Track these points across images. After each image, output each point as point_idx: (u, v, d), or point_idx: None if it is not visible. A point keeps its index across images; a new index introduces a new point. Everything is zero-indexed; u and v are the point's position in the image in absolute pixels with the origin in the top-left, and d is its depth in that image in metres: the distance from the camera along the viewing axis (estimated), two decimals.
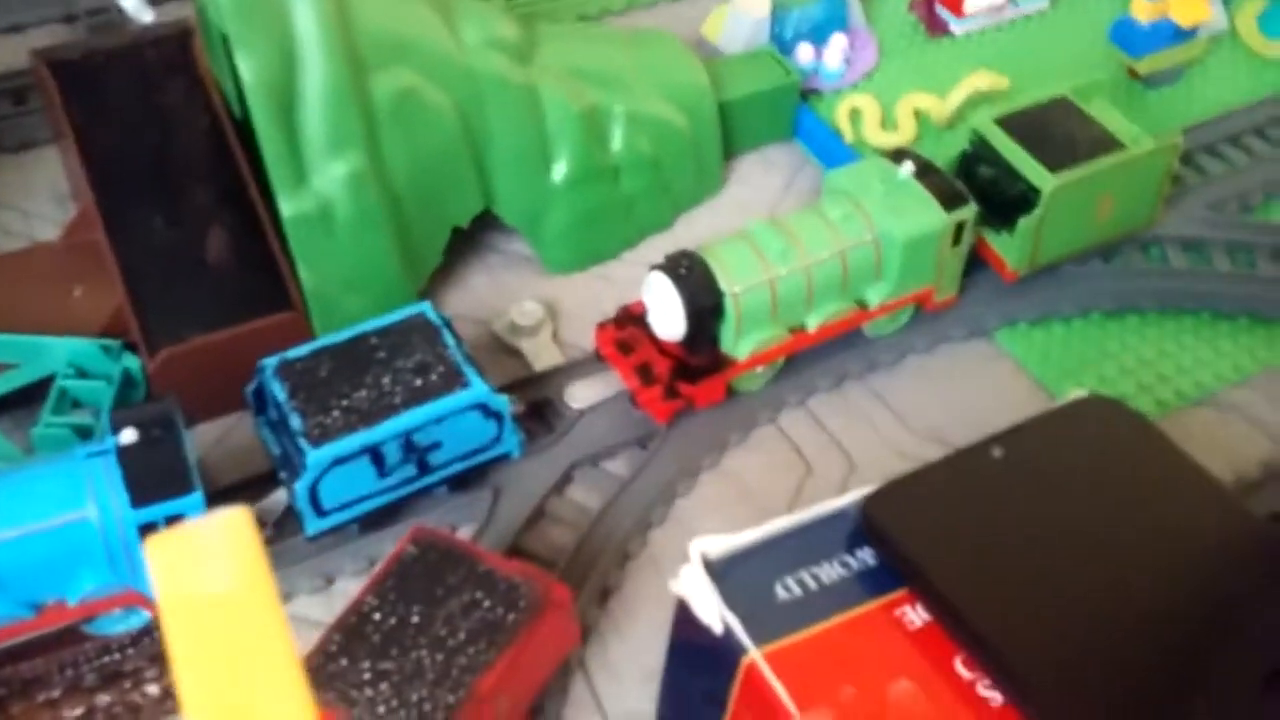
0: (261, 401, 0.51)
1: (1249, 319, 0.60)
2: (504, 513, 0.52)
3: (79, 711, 0.46)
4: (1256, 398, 0.57)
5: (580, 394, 0.56)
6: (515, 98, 0.58)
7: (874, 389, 0.59)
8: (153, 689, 0.47)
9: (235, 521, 0.23)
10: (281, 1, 0.52)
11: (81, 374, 0.55)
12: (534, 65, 0.59)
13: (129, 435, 0.45)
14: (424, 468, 0.50)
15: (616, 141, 0.62)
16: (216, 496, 0.52)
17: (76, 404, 0.55)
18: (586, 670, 0.48)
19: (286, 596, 0.50)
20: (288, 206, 0.54)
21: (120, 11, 0.70)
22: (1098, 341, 0.60)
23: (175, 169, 0.61)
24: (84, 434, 0.53)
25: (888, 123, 0.70)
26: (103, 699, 0.46)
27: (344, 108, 0.53)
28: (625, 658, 0.48)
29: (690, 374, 0.54)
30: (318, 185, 0.54)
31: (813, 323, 0.56)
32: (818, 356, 0.58)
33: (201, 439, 0.56)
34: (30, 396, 0.56)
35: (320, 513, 0.48)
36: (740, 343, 0.54)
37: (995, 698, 0.33)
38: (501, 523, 0.52)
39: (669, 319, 0.53)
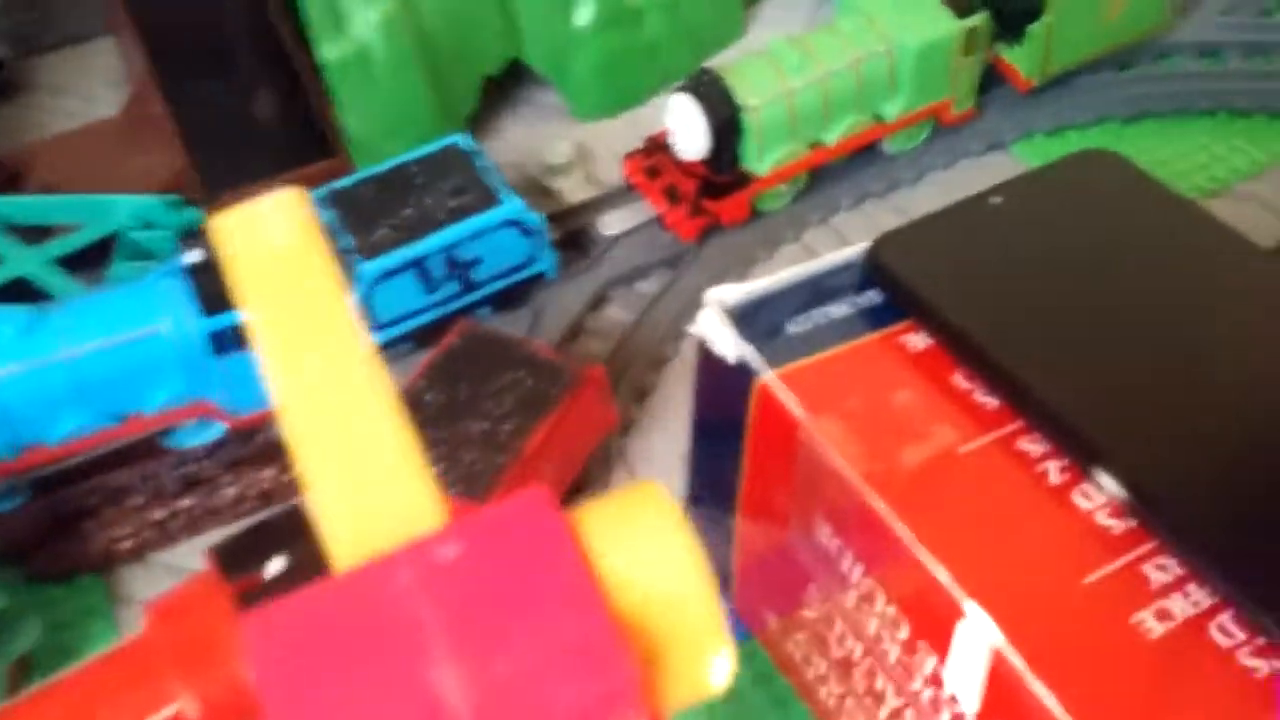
0: None
1: (1266, 116, 0.61)
2: (544, 330, 0.55)
3: (163, 515, 0.50)
4: (1272, 188, 0.58)
5: (612, 222, 0.59)
6: None
7: (896, 206, 0.61)
8: (230, 492, 0.51)
9: (289, 196, 0.26)
10: None
11: (147, 227, 0.59)
12: None
13: (195, 255, 0.49)
14: (467, 285, 0.53)
15: None
16: None
17: (144, 255, 0.59)
18: (627, 459, 0.51)
19: None
20: (328, 51, 0.57)
21: None
22: (1114, 148, 0.60)
23: (224, 37, 0.64)
24: None
25: None
26: (184, 503, 0.50)
27: None
28: (664, 447, 0.51)
29: (715, 191, 0.57)
30: (355, 31, 0.57)
31: (831, 137, 0.58)
32: (839, 176, 0.60)
33: None
34: (99, 255, 0.60)
35: (375, 327, 0.52)
36: (762, 159, 0.57)
37: (991, 403, 0.35)
38: (542, 339, 0.55)
39: (692, 137, 0.56)
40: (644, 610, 0.20)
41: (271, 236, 0.26)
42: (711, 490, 0.43)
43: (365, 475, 0.23)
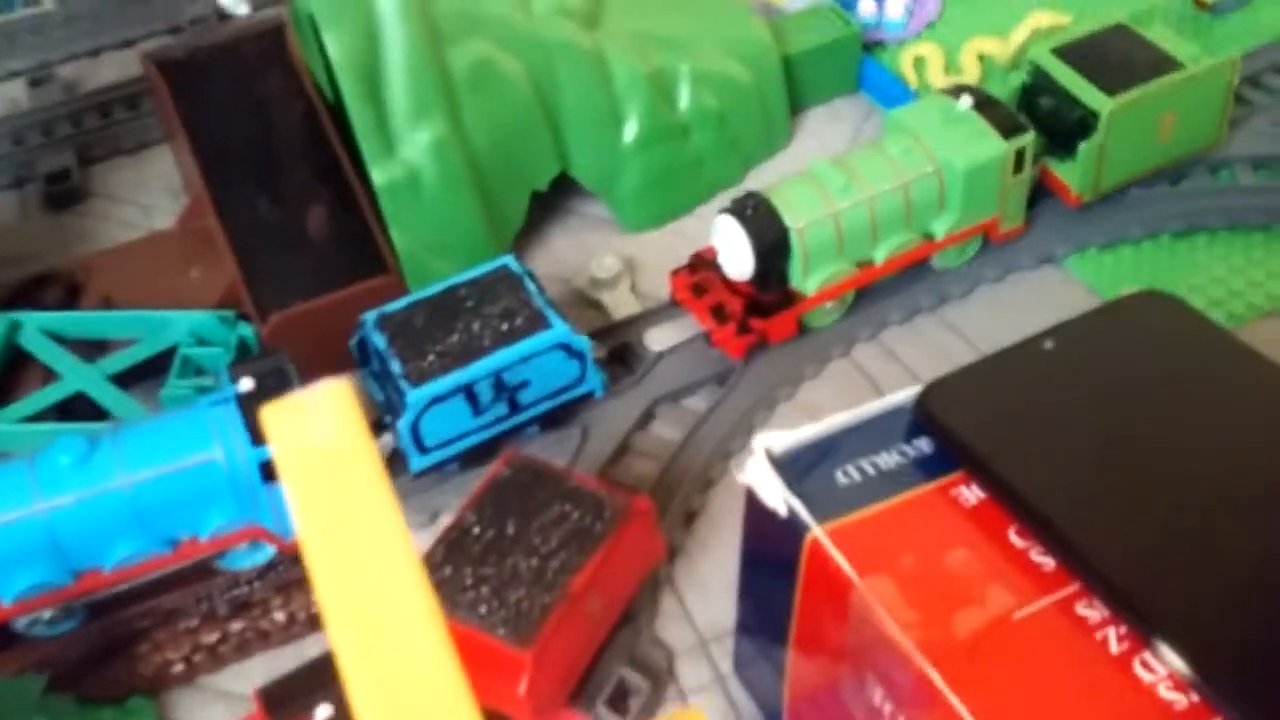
0: (365, 354, 0.55)
1: None
2: (592, 449, 0.55)
3: (215, 638, 0.50)
4: None
5: (659, 338, 0.59)
6: (584, 63, 0.61)
7: (946, 321, 0.60)
8: (279, 616, 0.51)
9: (337, 390, 0.26)
10: None
11: (201, 343, 0.60)
12: (600, 31, 0.63)
13: (247, 384, 0.49)
14: (515, 406, 0.53)
15: (683, 100, 0.65)
16: None
17: (199, 371, 0.60)
18: (676, 587, 0.51)
19: None
20: (379, 175, 0.58)
21: (220, 16, 0.76)
22: (1168, 263, 0.60)
23: (276, 153, 0.65)
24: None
25: (951, 68, 0.72)
26: (235, 626, 0.50)
27: (425, 78, 0.57)
28: (712, 573, 0.51)
29: (762, 310, 0.57)
30: (405, 154, 0.58)
31: (879, 255, 0.58)
32: (888, 292, 0.60)
33: None
34: (155, 369, 0.60)
35: (423, 450, 0.52)
36: (809, 278, 0.56)
37: (1048, 562, 0.35)
38: (590, 458, 0.55)
39: (738, 258, 0.56)
40: None
41: (319, 431, 0.26)
42: (762, 621, 0.43)
43: (413, 707, 0.23)
